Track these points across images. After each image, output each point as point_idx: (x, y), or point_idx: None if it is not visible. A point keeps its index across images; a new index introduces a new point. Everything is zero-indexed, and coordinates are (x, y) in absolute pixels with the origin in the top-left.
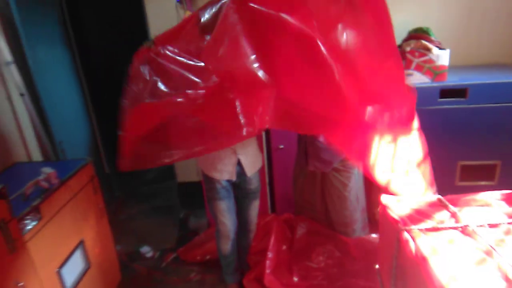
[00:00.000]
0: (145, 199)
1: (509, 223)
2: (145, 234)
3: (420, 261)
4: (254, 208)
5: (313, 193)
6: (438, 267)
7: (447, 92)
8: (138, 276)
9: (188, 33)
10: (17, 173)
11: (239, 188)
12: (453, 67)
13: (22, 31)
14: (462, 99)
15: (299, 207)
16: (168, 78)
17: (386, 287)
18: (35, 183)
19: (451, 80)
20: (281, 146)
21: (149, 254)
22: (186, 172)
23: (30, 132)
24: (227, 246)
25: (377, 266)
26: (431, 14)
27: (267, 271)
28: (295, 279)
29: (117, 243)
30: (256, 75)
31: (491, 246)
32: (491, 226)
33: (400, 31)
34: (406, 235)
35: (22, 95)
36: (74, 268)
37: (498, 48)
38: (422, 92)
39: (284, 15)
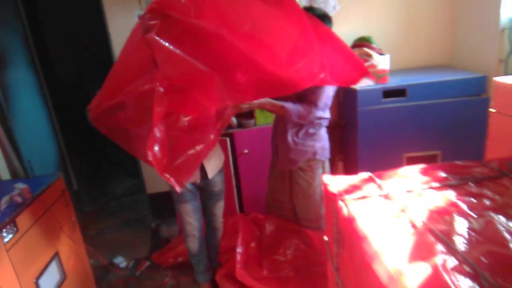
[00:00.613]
0: (115, 213)
1: (422, 189)
2: (118, 246)
3: (351, 221)
4: (219, 208)
5: (282, 191)
6: (363, 223)
7: (389, 93)
8: (114, 286)
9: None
10: None
11: (204, 191)
12: (394, 70)
13: None
14: (402, 98)
15: (270, 206)
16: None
17: (333, 252)
18: (9, 198)
19: (392, 82)
20: (246, 151)
21: (123, 264)
22: (155, 183)
23: None
24: (194, 244)
25: (326, 238)
26: (373, 24)
27: (238, 266)
28: (265, 272)
29: (90, 257)
30: (200, 69)
31: (405, 206)
32: (408, 191)
33: (346, 41)
34: (341, 203)
35: None
36: (51, 279)
37: (434, 52)
38: (367, 94)
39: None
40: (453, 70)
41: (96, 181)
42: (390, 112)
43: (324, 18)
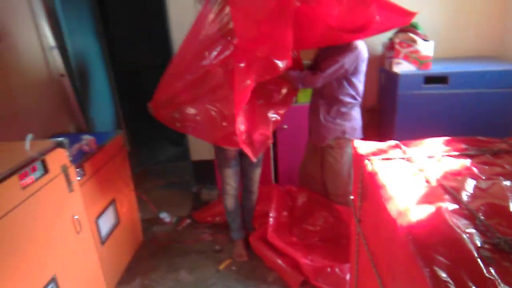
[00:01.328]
0: (161, 176)
1: (441, 156)
2: (163, 204)
3: (374, 175)
4: (257, 174)
5: (314, 166)
6: (384, 176)
7: (431, 79)
8: (158, 238)
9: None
10: None
11: (245, 158)
12: (441, 58)
13: (63, 21)
14: (444, 85)
15: (303, 179)
16: None
17: (356, 207)
18: (79, 146)
19: (436, 69)
20: (285, 126)
21: (167, 219)
22: (199, 152)
23: (67, 108)
24: (231, 201)
25: (351, 197)
26: (421, 11)
27: (270, 229)
28: (294, 238)
29: (139, 211)
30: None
31: (423, 167)
32: (429, 157)
33: None
34: (366, 162)
35: (62, 75)
36: (107, 221)
37: (483, 42)
38: (408, 79)
39: None
40: (501, 61)
41: (145, 147)
42: (430, 99)
43: None
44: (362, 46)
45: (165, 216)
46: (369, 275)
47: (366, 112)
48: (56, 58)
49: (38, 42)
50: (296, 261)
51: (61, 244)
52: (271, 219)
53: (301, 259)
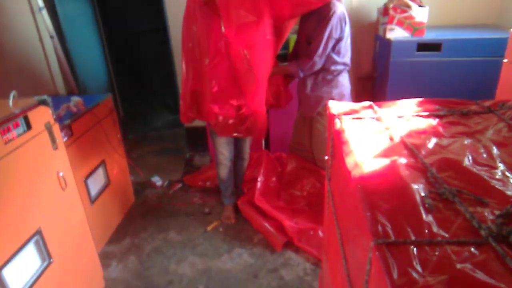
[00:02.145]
0: (155, 142)
1: (411, 116)
2: (155, 168)
3: (341, 132)
4: (248, 142)
5: (303, 135)
6: (350, 133)
7: (424, 46)
8: (149, 200)
9: None
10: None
11: None
12: (437, 25)
13: None
14: (437, 52)
15: (292, 147)
16: None
17: (328, 166)
18: (66, 107)
19: (429, 36)
20: None
21: (159, 183)
22: None
23: (57, 70)
24: (225, 171)
25: (326, 157)
26: None
27: (257, 192)
28: (281, 202)
29: (131, 175)
30: None
31: (390, 125)
32: (399, 116)
33: None
34: (337, 120)
35: (52, 37)
36: (97, 181)
37: (480, 10)
38: (401, 45)
39: None
40: (496, 29)
41: (141, 112)
42: (422, 66)
43: None
44: (340, 8)
45: (156, 180)
46: (334, 230)
47: (362, 79)
48: (45, 19)
49: (27, 2)
50: (281, 223)
51: (45, 199)
52: (259, 183)
53: (286, 221)
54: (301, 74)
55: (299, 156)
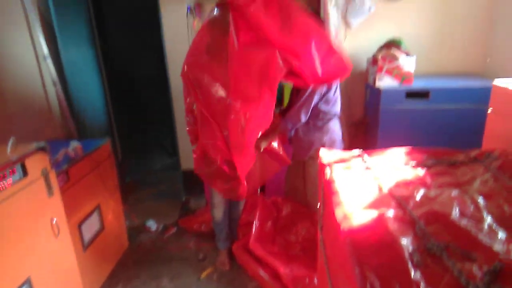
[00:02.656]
0: (152, 185)
1: (399, 165)
2: (151, 212)
3: (331, 182)
4: None
5: (297, 179)
6: (340, 183)
7: (413, 94)
8: (143, 245)
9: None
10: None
11: None
12: (425, 74)
13: (58, 30)
14: (425, 100)
15: (287, 191)
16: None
17: (320, 214)
18: (65, 152)
19: (417, 84)
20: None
21: (154, 227)
22: (190, 161)
23: (58, 115)
24: (220, 213)
25: (319, 205)
26: (406, 28)
27: (252, 237)
28: (276, 248)
29: (126, 219)
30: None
31: (379, 175)
32: (388, 166)
33: (378, 42)
34: (327, 170)
35: (54, 84)
36: (91, 227)
37: (467, 59)
38: (390, 93)
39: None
40: (482, 78)
41: (139, 155)
42: (411, 113)
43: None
44: None
45: (151, 224)
46: (326, 281)
47: (353, 125)
48: (49, 66)
49: (32, 50)
50: (276, 270)
51: (38, 246)
52: (254, 228)
53: (281, 268)
54: (290, 127)
55: (294, 201)
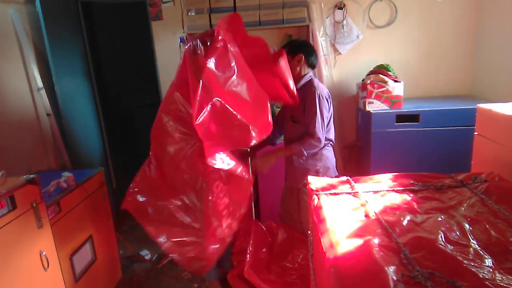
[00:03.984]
0: None
1: (386, 191)
2: (145, 241)
3: (318, 209)
4: None
5: (291, 206)
6: (327, 210)
7: (403, 117)
8: (137, 275)
9: None
10: (41, 177)
11: None
12: (414, 97)
13: (52, 62)
14: (415, 123)
15: (282, 218)
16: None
17: (309, 242)
18: (57, 183)
19: (407, 108)
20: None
21: (148, 257)
22: None
23: (52, 146)
24: None
25: (309, 232)
26: (394, 53)
27: (247, 265)
28: (272, 276)
29: (119, 249)
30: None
31: (366, 201)
32: (375, 192)
33: (367, 67)
34: (315, 197)
35: (48, 115)
36: (83, 258)
37: (454, 82)
38: (381, 117)
39: None
40: (471, 100)
41: None
42: (402, 136)
43: (301, 46)
44: (324, 90)
45: (145, 253)
46: None
47: (346, 148)
48: (43, 98)
49: (26, 83)
50: None
51: (26, 280)
52: (248, 256)
53: None
54: (305, 154)
55: (290, 226)
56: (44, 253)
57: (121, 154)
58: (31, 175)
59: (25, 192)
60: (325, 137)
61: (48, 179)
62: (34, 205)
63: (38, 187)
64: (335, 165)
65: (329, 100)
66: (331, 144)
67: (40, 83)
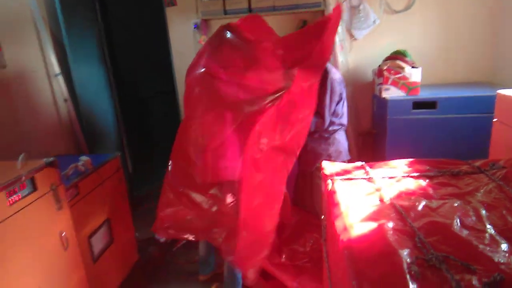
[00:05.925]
0: None
1: (401, 176)
2: None
3: (332, 193)
4: None
5: (304, 189)
6: (341, 195)
7: (420, 104)
8: (152, 258)
9: None
10: (59, 161)
11: None
12: (432, 84)
13: (69, 49)
14: (432, 110)
15: (294, 201)
16: None
17: (323, 226)
18: (75, 166)
19: (424, 94)
20: None
21: (162, 240)
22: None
23: (69, 131)
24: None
25: (323, 217)
26: (412, 39)
27: None
28: (283, 259)
29: (136, 232)
30: None
31: (381, 186)
32: (390, 177)
33: (384, 54)
34: (329, 181)
35: (65, 100)
36: (101, 239)
37: (473, 68)
38: (397, 104)
39: None
40: (491, 86)
41: (149, 169)
42: (419, 123)
43: None
44: (336, 74)
45: (160, 237)
46: None
47: (362, 135)
48: (60, 84)
49: (44, 69)
50: (284, 284)
51: (46, 259)
52: None
53: (289, 282)
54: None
55: (302, 209)
56: (64, 234)
57: (136, 139)
58: (51, 158)
59: (44, 174)
60: (338, 122)
61: (66, 163)
62: (54, 187)
63: (57, 170)
64: (347, 149)
65: (342, 84)
66: (343, 128)
67: (57, 69)
